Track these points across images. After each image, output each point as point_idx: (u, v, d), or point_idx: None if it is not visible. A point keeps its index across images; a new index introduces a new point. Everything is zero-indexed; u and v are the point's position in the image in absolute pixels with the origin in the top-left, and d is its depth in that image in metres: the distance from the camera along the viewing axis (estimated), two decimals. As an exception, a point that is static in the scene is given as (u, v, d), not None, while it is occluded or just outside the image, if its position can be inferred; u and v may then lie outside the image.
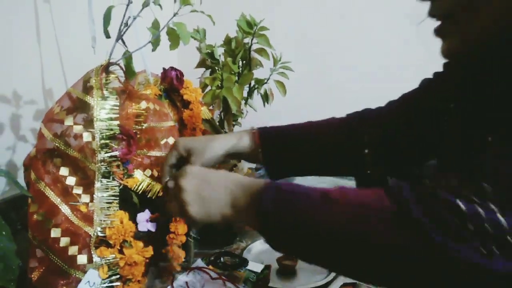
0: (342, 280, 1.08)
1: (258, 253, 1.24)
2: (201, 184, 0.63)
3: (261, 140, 0.82)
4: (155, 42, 0.85)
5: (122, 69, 0.88)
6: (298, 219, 0.54)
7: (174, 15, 0.84)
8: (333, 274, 1.11)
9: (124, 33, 0.85)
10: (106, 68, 0.84)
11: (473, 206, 0.41)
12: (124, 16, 0.85)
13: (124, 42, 0.86)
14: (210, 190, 0.62)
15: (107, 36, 0.84)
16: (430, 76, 0.82)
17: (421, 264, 0.45)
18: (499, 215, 0.39)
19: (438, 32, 0.57)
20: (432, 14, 0.56)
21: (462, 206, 0.41)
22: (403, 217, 0.46)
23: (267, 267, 1.03)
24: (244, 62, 1.50)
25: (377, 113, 0.89)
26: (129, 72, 0.87)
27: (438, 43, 0.59)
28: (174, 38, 0.86)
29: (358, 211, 0.51)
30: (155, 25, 0.86)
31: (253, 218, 0.58)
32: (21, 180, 1.03)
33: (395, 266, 0.48)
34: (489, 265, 0.39)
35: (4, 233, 0.60)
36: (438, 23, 0.56)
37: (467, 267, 0.40)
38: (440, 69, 0.73)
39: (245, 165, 1.38)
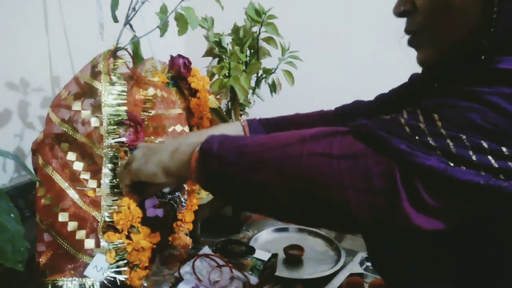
0: (349, 270, 1.08)
1: (265, 242, 1.24)
2: (149, 149, 0.70)
3: (251, 130, 0.84)
4: (163, 27, 0.85)
5: (130, 54, 0.87)
6: (240, 155, 0.56)
7: (182, 0, 0.83)
8: (340, 264, 1.11)
9: (132, 17, 0.84)
10: (114, 53, 0.83)
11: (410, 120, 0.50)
12: (132, 0, 0.84)
13: (132, 27, 0.85)
14: (156, 149, 0.69)
15: (115, 20, 0.83)
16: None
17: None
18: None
19: (411, 43, 0.64)
20: (407, 30, 0.63)
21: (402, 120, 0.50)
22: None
23: (274, 256, 1.03)
24: (252, 51, 1.49)
25: (365, 106, 0.91)
26: (137, 57, 0.86)
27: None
28: (183, 23, 0.85)
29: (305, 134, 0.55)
30: (163, 10, 0.85)
31: (194, 158, 0.60)
32: (29, 166, 1.03)
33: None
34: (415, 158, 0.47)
35: (12, 215, 0.60)
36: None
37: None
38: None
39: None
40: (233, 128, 0.83)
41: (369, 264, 1.13)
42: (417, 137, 0.47)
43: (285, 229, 1.31)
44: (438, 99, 0.50)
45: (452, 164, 0.46)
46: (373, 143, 0.50)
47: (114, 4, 0.81)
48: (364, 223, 0.52)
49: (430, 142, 0.47)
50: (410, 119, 0.49)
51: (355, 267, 1.09)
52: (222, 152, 0.57)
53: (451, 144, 0.46)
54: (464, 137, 0.45)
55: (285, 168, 0.52)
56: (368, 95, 1.87)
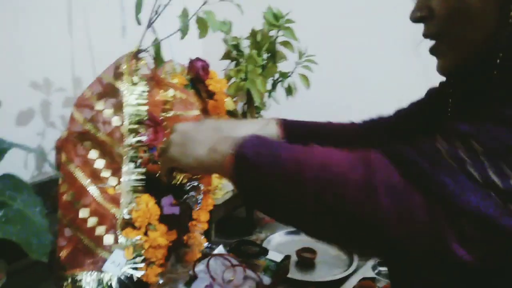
0: (361, 274, 1.08)
1: (277, 244, 1.25)
2: (187, 137, 0.66)
3: (285, 131, 0.81)
4: (184, 30, 0.87)
5: (151, 56, 0.89)
6: (276, 167, 0.53)
7: (204, 3, 0.85)
8: (352, 268, 1.11)
9: (154, 20, 0.87)
10: (136, 55, 0.86)
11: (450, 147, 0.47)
12: (155, 4, 0.86)
13: (154, 30, 0.88)
14: (194, 139, 0.65)
15: (139, 23, 0.85)
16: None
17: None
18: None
19: (432, 51, 0.63)
20: (425, 35, 0.62)
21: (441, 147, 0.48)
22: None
23: (287, 257, 1.04)
24: (269, 54, 1.51)
25: (386, 120, 0.93)
26: (158, 59, 0.89)
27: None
28: (203, 26, 0.87)
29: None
30: (185, 13, 0.87)
31: (229, 161, 0.58)
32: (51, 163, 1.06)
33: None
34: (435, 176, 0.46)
35: (38, 209, 0.63)
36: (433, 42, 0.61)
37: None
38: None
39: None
40: (268, 127, 0.81)
41: (381, 268, 1.13)
42: (461, 171, 0.45)
43: (297, 232, 1.32)
44: (476, 124, 0.47)
45: (500, 208, 0.43)
46: (415, 174, 0.47)
47: (138, 8, 0.83)
48: (402, 254, 0.49)
49: (475, 175, 0.44)
50: (451, 149, 0.47)
51: (367, 271, 1.09)
52: (257, 161, 0.55)
53: (497, 180, 0.44)
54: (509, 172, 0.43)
55: (322, 193, 0.50)
56: (383, 100, 1.87)
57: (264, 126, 0.77)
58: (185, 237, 1.02)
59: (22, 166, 1.28)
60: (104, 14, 1.40)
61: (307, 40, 1.51)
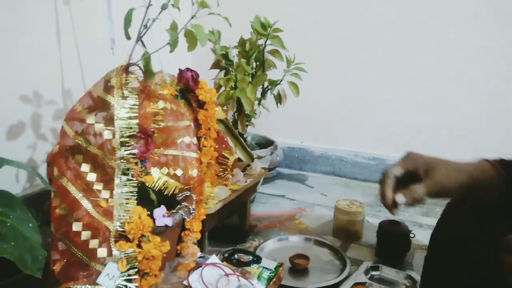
0: (353, 279, 1.09)
1: (271, 251, 1.26)
2: (447, 166, 0.63)
3: (506, 171, 0.65)
4: (173, 44, 0.88)
5: (141, 69, 0.90)
6: None
7: (192, 17, 0.86)
8: (345, 274, 1.12)
9: (144, 34, 0.88)
10: (126, 69, 0.87)
11: None
12: (143, 18, 0.87)
13: (143, 44, 0.89)
14: (452, 166, 0.63)
15: (128, 37, 0.86)
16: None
17: None
18: None
19: None
20: None
21: None
22: None
23: (280, 265, 1.05)
24: (258, 63, 1.53)
25: None
26: (148, 72, 0.90)
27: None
28: (192, 40, 0.88)
29: None
30: (174, 27, 0.88)
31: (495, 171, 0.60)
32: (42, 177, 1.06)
33: None
34: None
35: (31, 225, 0.63)
36: None
37: None
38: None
39: (258, 165, 1.40)
40: (483, 167, 0.66)
41: (374, 273, 1.14)
42: None
43: (290, 239, 1.33)
44: None
45: None
46: None
47: (127, 22, 0.84)
48: None
49: None
50: None
51: (360, 276, 1.11)
52: None
53: None
54: None
55: None
56: (374, 107, 1.90)
57: (480, 169, 0.64)
58: (178, 247, 1.03)
59: (13, 179, 1.28)
60: (93, 28, 1.41)
61: (295, 48, 1.53)
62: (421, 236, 1.31)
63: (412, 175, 0.63)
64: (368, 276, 1.12)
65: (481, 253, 0.63)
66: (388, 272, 1.14)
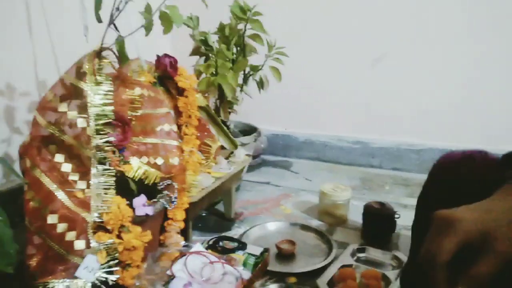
0: (340, 261, 1.09)
1: (257, 238, 1.25)
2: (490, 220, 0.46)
3: None
4: (148, 26, 0.85)
5: (115, 54, 0.87)
6: None
7: (166, -2, 0.83)
8: (331, 257, 1.12)
9: (116, 17, 0.84)
10: (98, 54, 0.83)
11: None
12: (115, 0, 0.84)
13: (116, 27, 0.85)
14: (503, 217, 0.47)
15: (99, 20, 0.83)
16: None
17: None
18: None
19: None
20: None
21: None
22: None
23: (266, 250, 1.04)
24: (238, 48, 1.50)
25: None
26: (122, 57, 0.86)
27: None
28: (167, 22, 0.85)
29: None
30: (148, 9, 0.85)
31: None
32: (17, 171, 1.03)
33: None
34: None
35: (0, 218, 0.60)
36: None
37: None
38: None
39: (242, 152, 1.38)
40: None
41: (360, 255, 1.14)
42: None
43: (276, 225, 1.32)
44: None
45: None
46: None
47: (97, 4, 0.81)
48: None
49: None
50: None
51: (346, 258, 1.10)
52: None
53: None
54: None
55: None
56: (357, 91, 1.89)
57: None
58: (161, 237, 1.00)
59: (-12, 175, 1.24)
60: (64, 13, 1.36)
61: (276, 32, 1.50)
62: (406, 217, 1.30)
63: (468, 251, 0.46)
64: (355, 258, 1.12)
65: None
66: (374, 253, 1.14)
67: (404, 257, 1.10)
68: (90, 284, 0.76)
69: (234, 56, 1.49)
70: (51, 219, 0.77)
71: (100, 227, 0.80)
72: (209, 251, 0.99)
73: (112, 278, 0.78)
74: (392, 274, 1.03)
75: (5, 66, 1.23)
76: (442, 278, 0.45)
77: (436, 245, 0.46)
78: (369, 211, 1.23)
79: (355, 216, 1.35)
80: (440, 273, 0.46)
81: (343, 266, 1.06)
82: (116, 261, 0.80)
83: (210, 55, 1.48)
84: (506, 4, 1.56)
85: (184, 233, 1.05)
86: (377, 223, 1.22)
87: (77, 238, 0.77)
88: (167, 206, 0.92)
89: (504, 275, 0.44)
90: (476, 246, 0.45)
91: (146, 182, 0.94)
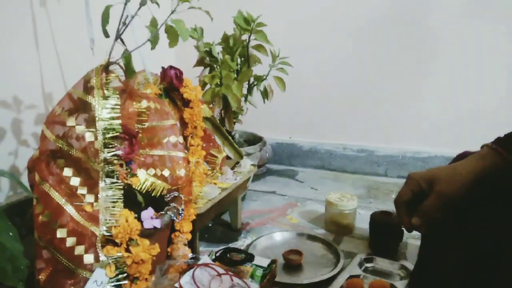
0: (348, 272, 1.08)
1: (264, 248, 1.25)
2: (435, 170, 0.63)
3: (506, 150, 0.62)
4: (154, 40, 0.86)
5: (122, 68, 0.88)
6: None
7: (172, 12, 0.84)
8: (339, 267, 1.11)
9: (123, 32, 0.85)
10: (106, 68, 0.84)
11: None
12: (122, 15, 0.85)
13: (123, 41, 0.86)
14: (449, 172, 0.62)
15: (106, 35, 0.84)
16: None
17: None
18: None
19: None
20: None
21: None
22: None
23: (273, 262, 1.03)
24: (242, 59, 1.51)
25: None
26: (129, 71, 0.87)
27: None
28: (173, 36, 0.86)
29: None
30: (153, 23, 0.86)
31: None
32: (25, 183, 1.03)
33: None
34: None
35: (11, 234, 0.60)
36: None
37: None
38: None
39: (247, 162, 1.38)
40: (488, 156, 0.63)
41: (368, 265, 1.14)
42: None
43: (283, 235, 1.31)
44: None
45: None
46: None
47: (105, 20, 0.82)
48: None
49: None
50: None
51: (354, 269, 1.10)
52: None
53: None
54: None
55: None
56: (361, 99, 1.89)
57: (483, 160, 0.62)
58: (168, 249, 1.00)
59: (-5, 188, 1.25)
60: (71, 28, 1.37)
61: (279, 42, 1.51)
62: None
63: (423, 195, 0.63)
64: (362, 268, 1.12)
65: (479, 230, 0.62)
66: (382, 263, 1.14)
67: (411, 267, 1.09)
68: (99, 298, 0.76)
69: (239, 66, 1.50)
70: (60, 233, 0.77)
71: (108, 240, 0.80)
72: (217, 263, 0.99)
73: (121, 291, 0.78)
74: (400, 284, 1.03)
75: (12, 79, 1.25)
76: (403, 212, 0.65)
77: (399, 192, 0.66)
78: (375, 220, 1.23)
79: (362, 226, 1.34)
80: (400, 209, 0.65)
81: (351, 277, 1.06)
82: (125, 274, 0.80)
83: (215, 66, 1.49)
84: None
85: (191, 244, 1.05)
86: (384, 232, 1.21)
87: (86, 252, 0.77)
88: (174, 218, 0.92)
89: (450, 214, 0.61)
90: (426, 191, 0.63)
91: (153, 194, 0.94)
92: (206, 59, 1.48)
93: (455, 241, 0.65)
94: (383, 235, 1.22)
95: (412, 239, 1.27)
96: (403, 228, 1.19)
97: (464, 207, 0.62)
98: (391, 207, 1.44)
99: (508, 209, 0.59)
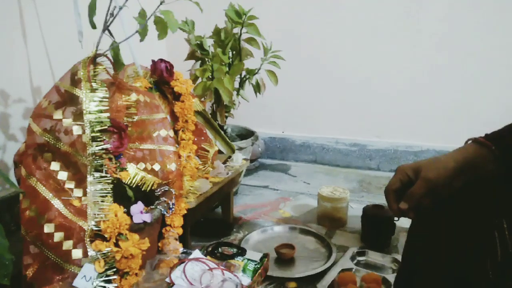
0: (340, 265, 1.08)
1: (256, 243, 1.24)
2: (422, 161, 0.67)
3: (493, 143, 0.65)
4: (143, 32, 0.84)
5: (110, 60, 0.86)
6: None
7: (161, 3, 0.83)
8: (331, 261, 1.11)
9: (110, 23, 0.84)
10: (93, 60, 0.83)
11: None
12: (109, 6, 0.83)
13: (110, 33, 0.84)
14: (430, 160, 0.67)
15: (93, 26, 0.82)
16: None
17: None
18: None
19: None
20: None
21: None
22: None
23: (265, 256, 1.03)
24: (234, 52, 1.49)
25: None
26: (118, 63, 0.85)
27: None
28: (162, 27, 0.84)
29: None
30: (142, 15, 0.84)
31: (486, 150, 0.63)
32: (12, 178, 1.01)
33: None
34: None
35: (-5, 229, 0.59)
36: None
37: None
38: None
39: (239, 156, 1.37)
40: (472, 148, 0.67)
41: (360, 258, 1.14)
42: None
43: (275, 229, 1.31)
44: None
45: None
46: None
47: (92, 11, 0.80)
48: None
49: None
50: None
51: (346, 262, 1.10)
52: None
53: None
54: None
55: None
56: (351, 91, 1.89)
57: (466, 152, 0.65)
58: (159, 244, 0.99)
59: (-17, 183, 1.23)
60: (59, 21, 1.35)
61: (271, 36, 1.50)
62: (405, 219, 1.30)
63: (409, 184, 0.68)
64: (355, 261, 1.12)
65: (470, 225, 0.64)
66: (374, 256, 1.14)
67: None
68: (88, 294, 0.75)
69: (230, 60, 1.48)
70: (48, 228, 0.76)
71: (97, 235, 0.79)
72: (208, 257, 0.98)
73: (110, 287, 0.77)
74: (392, 277, 1.03)
75: (0, 72, 1.22)
76: (392, 199, 0.69)
77: (388, 182, 0.70)
78: (368, 214, 1.23)
79: (354, 219, 1.34)
80: (389, 196, 0.70)
81: (343, 270, 1.06)
82: (114, 269, 0.79)
83: (206, 59, 1.47)
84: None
85: (182, 239, 1.04)
86: (376, 226, 1.21)
87: (74, 247, 0.76)
88: (165, 212, 0.91)
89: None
90: (413, 179, 0.67)
91: (143, 189, 0.93)
92: (198, 52, 1.46)
93: (440, 230, 0.68)
94: (375, 228, 1.22)
95: (404, 233, 1.26)
96: (395, 221, 1.20)
97: (448, 194, 0.65)
98: (383, 201, 1.44)
99: (489, 196, 0.63)
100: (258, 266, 0.99)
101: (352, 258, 1.12)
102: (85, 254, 0.77)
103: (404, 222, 1.26)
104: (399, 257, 1.12)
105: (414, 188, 0.66)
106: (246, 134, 1.69)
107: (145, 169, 0.95)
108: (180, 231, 1.01)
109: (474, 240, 0.63)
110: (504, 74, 1.62)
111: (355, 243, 1.24)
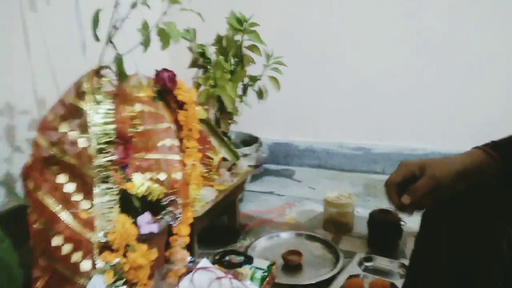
0: (348, 272, 1.08)
1: (263, 249, 1.24)
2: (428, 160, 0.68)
3: (497, 153, 0.66)
4: (146, 43, 0.85)
5: (114, 72, 0.87)
6: None
7: (163, 14, 0.83)
8: (338, 267, 1.11)
9: (114, 35, 0.84)
10: (97, 72, 0.83)
11: None
12: (112, 18, 0.84)
13: (114, 45, 0.85)
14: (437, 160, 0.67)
15: (96, 39, 0.83)
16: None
17: None
18: None
19: None
20: None
21: None
22: None
23: (273, 263, 1.03)
24: (236, 59, 1.50)
25: None
26: (121, 74, 0.86)
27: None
28: (165, 38, 0.85)
29: None
30: (145, 26, 0.85)
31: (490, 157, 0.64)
32: (20, 190, 1.02)
33: None
34: None
35: (4, 244, 0.59)
36: None
37: None
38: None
39: (244, 163, 1.37)
40: (477, 155, 0.68)
41: (367, 264, 1.13)
42: None
43: (281, 235, 1.31)
44: None
45: None
46: None
47: (95, 24, 0.81)
48: None
49: None
50: None
51: (354, 268, 1.09)
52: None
53: None
54: None
55: None
56: (357, 96, 1.89)
57: (471, 158, 0.66)
58: (167, 253, 0.99)
59: (-10, 195, 1.23)
60: (63, 33, 1.36)
61: (273, 42, 1.51)
62: (412, 223, 1.30)
63: (412, 180, 0.67)
64: (362, 267, 1.11)
65: (477, 232, 0.64)
66: (381, 262, 1.13)
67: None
68: (97, 306, 0.75)
69: (233, 67, 1.49)
70: (56, 241, 0.76)
71: (105, 247, 0.79)
72: (216, 266, 0.98)
73: (119, 298, 0.77)
74: (400, 282, 1.02)
75: (4, 85, 1.23)
76: (393, 193, 0.69)
77: (390, 176, 0.71)
78: (374, 218, 1.22)
79: (361, 224, 1.34)
80: (390, 189, 0.70)
81: (350, 277, 1.05)
82: (123, 280, 0.79)
83: (209, 67, 1.48)
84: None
85: (189, 247, 1.04)
86: (383, 231, 1.21)
87: (83, 259, 0.76)
88: (172, 222, 0.91)
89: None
90: (418, 175, 0.67)
91: (149, 199, 0.93)
92: (200, 60, 1.47)
93: (440, 231, 0.68)
94: (382, 233, 1.21)
95: (411, 237, 1.26)
96: (402, 226, 1.19)
97: (449, 195, 0.66)
98: (389, 205, 1.44)
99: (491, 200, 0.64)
100: (266, 274, 0.99)
101: (360, 263, 1.12)
102: (94, 266, 0.77)
103: (411, 227, 1.26)
104: (407, 262, 1.11)
105: (419, 183, 0.66)
106: (250, 140, 1.69)
107: (151, 179, 0.95)
108: (187, 239, 1.01)
109: (477, 243, 0.63)
110: (509, 77, 1.62)
111: (362, 248, 1.24)
